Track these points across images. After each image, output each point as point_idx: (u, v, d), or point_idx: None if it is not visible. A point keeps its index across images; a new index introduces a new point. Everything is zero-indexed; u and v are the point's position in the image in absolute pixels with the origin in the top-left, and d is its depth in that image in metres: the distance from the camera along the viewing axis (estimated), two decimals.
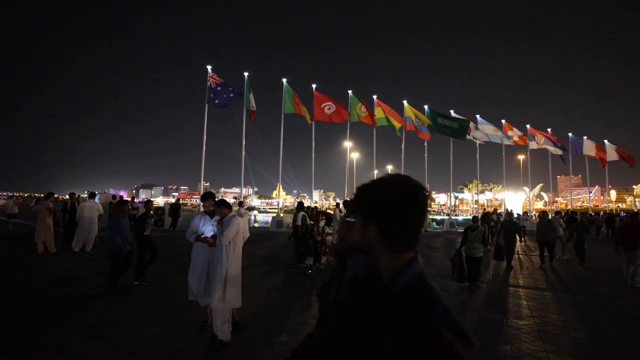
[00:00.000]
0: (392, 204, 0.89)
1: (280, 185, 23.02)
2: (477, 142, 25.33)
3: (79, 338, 4.21)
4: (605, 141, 30.57)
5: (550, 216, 12.09)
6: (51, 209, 10.08)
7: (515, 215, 22.51)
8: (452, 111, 24.53)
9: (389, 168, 78.07)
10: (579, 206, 75.84)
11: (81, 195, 26.73)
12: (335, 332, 0.94)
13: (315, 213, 15.13)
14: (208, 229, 4.62)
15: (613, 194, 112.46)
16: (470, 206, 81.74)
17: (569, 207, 38.59)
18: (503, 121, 26.66)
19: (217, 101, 17.83)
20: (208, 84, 17.72)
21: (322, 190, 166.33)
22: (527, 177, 30.20)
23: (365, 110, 21.46)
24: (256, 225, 25.03)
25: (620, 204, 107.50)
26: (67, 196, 12.78)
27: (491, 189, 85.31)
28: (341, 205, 16.72)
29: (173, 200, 23.63)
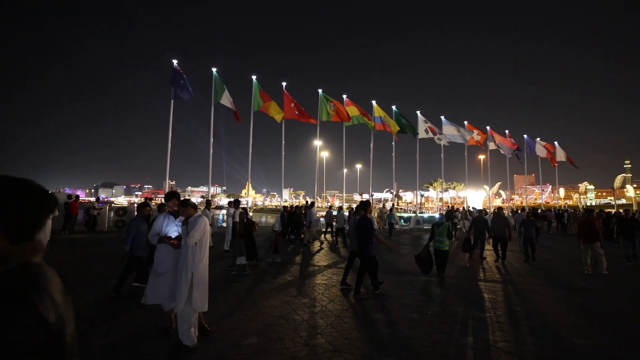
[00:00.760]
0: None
1: (250, 183, 22.68)
2: (442, 143, 26.40)
3: None
4: (556, 143, 32.96)
5: (504, 213, 12.65)
6: None
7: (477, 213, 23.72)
8: (418, 112, 25.35)
9: (358, 167, 78.99)
10: (533, 203, 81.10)
11: None
12: None
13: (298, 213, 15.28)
14: (172, 229, 4.44)
15: (562, 191, 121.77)
16: (435, 204, 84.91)
17: (524, 204, 41.11)
18: (465, 122, 27.91)
19: (186, 95, 17.17)
20: (173, 78, 16.99)
21: (292, 189, 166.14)
22: (487, 175, 31.88)
23: (335, 108, 21.58)
24: (224, 225, 24.42)
25: (567, 201, 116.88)
26: None
27: (454, 187, 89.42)
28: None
29: (136, 200, 22.49)
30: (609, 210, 30.76)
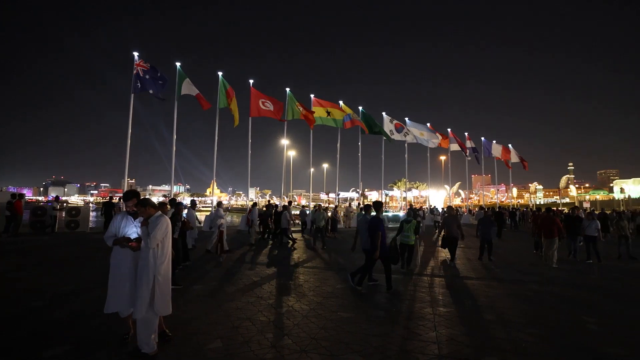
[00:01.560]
0: None
1: (215, 182, 22.03)
2: (407, 139, 27.29)
3: None
4: (510, 145, 35.30)
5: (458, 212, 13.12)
6: None
7: (436, 211, 24.76)
8: (384, 113, 25.99)
9: (325, 166, 79.48)
10: (488, 202, 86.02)
11: None
12: None
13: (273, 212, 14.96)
14: (131, 231, 4.18)
15: (515, 191, 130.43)
16: (399, 203, 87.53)
17: (481, 202, 43.49)
18: (428, 124, 29.04)
19: (150, 90, 16.33)
20: (134, 72, 16.10)
21: (258, 188, 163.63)
22: (448, 176, 33.44)
23: (302, 109, 21.55)
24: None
25: (519, 200, 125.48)
26: None
27: (417, 187, 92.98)
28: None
29: (91, 199, 21.11)
30: (561, 208, 33.38)
